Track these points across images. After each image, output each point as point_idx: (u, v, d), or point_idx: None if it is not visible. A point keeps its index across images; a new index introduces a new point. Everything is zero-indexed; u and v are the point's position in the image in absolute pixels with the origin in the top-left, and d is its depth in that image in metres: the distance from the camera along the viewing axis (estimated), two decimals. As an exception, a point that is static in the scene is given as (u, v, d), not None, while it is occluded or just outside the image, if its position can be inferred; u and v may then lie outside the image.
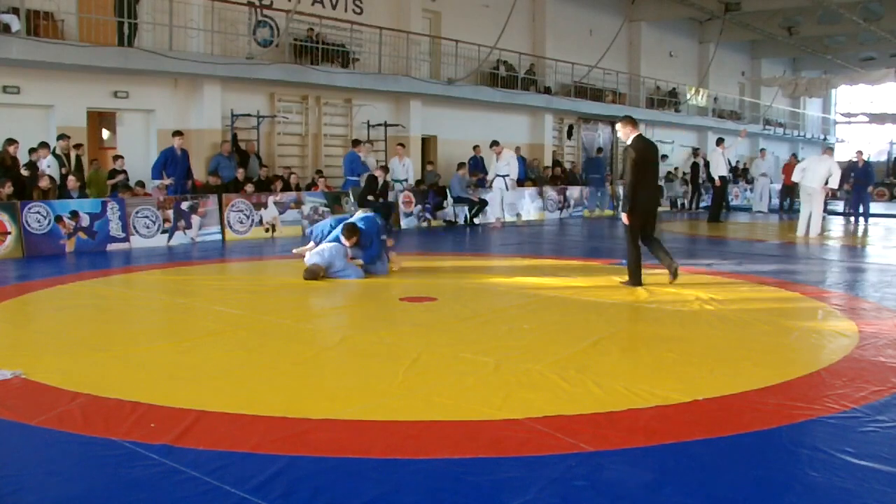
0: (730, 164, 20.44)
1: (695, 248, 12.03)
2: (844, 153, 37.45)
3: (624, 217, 7.59)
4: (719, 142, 17.51)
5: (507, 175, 15.30)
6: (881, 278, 8.68)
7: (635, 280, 7.63)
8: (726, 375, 4.46)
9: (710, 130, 28.06)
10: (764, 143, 29.74)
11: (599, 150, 22.59)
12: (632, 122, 7.68)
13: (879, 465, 3.17)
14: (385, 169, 13.65)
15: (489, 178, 15.77)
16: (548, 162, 21.12)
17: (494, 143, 15.46)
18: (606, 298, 6.97)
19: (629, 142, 7.55)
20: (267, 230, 12.67)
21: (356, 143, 14.54)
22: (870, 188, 17.80)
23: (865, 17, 23.76)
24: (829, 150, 15.15)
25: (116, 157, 12.91)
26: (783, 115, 33.57)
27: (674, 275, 7.65)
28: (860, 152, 18.27)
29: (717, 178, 16.92)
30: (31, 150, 11.22)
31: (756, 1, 23.30)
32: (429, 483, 2.98)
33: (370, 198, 13.45)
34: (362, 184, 13.49)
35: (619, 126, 7.73)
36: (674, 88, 26.53)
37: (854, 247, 12.84)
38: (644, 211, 7.57)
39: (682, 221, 18.02)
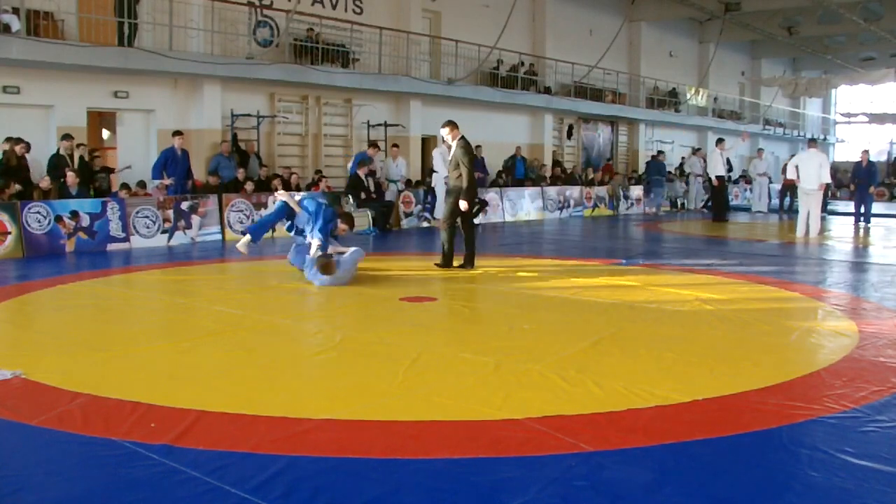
0: (729, 164, 20.40)
1: (695, 248, 12.03)
2: (845, 153, 37.58)
3: (464, 205, 8.53)
4: (719, 142, 17.51)
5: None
6: (881, 278, 8.68)
7: (448, 261, 8.68)
8: (726, 375, 4.46)
9: (710, 130, 28.05)
10: (764, 143, 29.74)
11: (661, 152, 22.71)
12: (456, 125, 8.83)
13: (879, 465, 3.17)
14: (362, 163, 13.75)
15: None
16: (547, 161, 21.11)
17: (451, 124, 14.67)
18: (606, 298, 6.97)
19: (456, 142, 8.64)
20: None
21: (373, 143, 14.68)
22: (871, 188, 17.73)
23: (865, 17, 23.75)
24: (813, 142, 15.02)
25: (94, 156, 12.44)
26: (783, 115, 33.57)
27: (470, 263, 8.74)
28: (866, 152, 18.18)
29: (714, 178, 16.91)
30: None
31: (756, 1, 23.29)
32: (429, 483, 2.98)
33: (364, 196, 13.56)
34: (370, 184, 13.71)
35: (446, 130, 8.74)
36: (674, 88, 26.53)
37: (854, 247, 12.84)
38: (473, 200, 8.83)
39: (683, 221, 18.02)
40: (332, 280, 7.54)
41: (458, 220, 8.76)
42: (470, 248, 8.85)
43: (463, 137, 8.78)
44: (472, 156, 8.72)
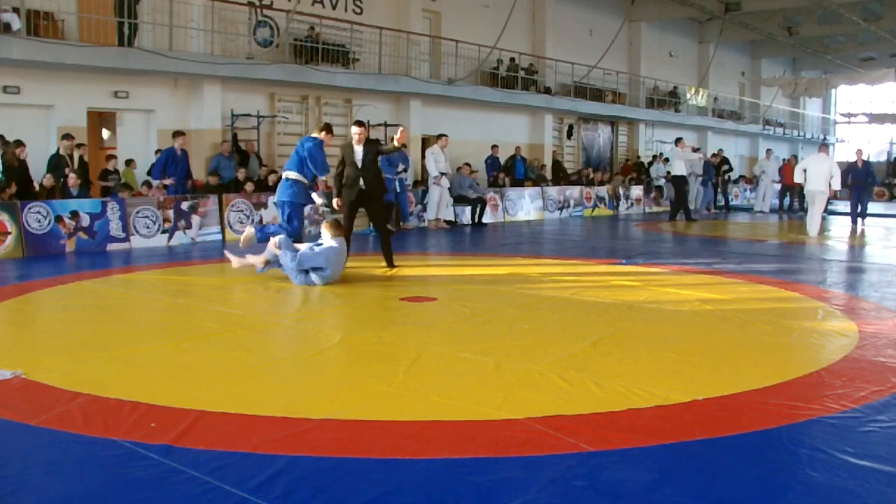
0: (729, 164, 20.38)
1: (695, 248, 12.02)
2: (845, 153, 37.60)
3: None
4: (678, 141, 17.45)
5: (445, 173, 14.72)
6: (881, 278, 8.68)
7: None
8: (726, 375, 4.46)
9: (710, 130, 28.09)
10: (764, 144, 29.76)
11: (714, 155, 22.52)
12: (366, 127, 9.02)
13: (879, 465, 3.17)
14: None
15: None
16: (548, 162, 21.12)
17: (442, 136, 14.66)
18: (606, 298, 6.97)
19: (365, 141, 8.80)
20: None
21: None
22: (874, 188, 17.68)
23: (865, 17, 23.76)
24: (825, 146, 15.07)
25: (110, 157, 12.82)
26: (783, 115, 33.58)
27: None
28: (860, 151, 18.20)
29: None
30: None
31: (756, 1, 23.31)
32: (429, 483, 2.98)
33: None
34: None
35: (357, 129, 8.78)
36: (674, 88, 26.53)
37: (854, 247, 12.85)
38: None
39: (682, 221, 18.01)
40: (319, 279, 7.47)
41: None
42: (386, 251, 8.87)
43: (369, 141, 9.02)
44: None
